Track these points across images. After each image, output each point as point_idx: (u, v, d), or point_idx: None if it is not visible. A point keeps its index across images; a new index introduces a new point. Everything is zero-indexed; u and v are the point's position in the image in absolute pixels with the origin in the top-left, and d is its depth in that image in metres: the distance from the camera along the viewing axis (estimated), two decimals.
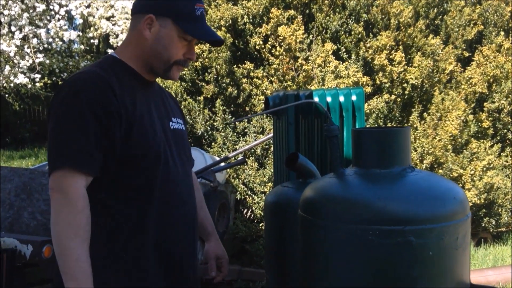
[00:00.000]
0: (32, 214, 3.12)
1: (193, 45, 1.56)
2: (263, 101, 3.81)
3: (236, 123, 4.52)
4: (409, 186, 1.21)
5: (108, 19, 7.74)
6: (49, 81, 9.37)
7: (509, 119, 5.02)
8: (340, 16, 4.66)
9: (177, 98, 4.54)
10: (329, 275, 1.21)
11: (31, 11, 7.49)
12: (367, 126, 4.10)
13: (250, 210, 4.46)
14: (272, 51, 4.49)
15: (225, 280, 1.80)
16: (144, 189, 1.46)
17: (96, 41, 8.55)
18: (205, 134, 4.62)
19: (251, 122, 4.50)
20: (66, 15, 8.07)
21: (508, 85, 4.92)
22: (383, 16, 4.76)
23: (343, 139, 2.36)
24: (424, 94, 4.78)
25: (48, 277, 3.00)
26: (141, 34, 1.50)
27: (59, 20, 7.75)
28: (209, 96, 4.65)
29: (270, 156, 4.35)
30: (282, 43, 4.39)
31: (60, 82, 9.41)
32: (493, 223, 4.87)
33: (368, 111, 4.37)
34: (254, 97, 4.50)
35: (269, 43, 4.52)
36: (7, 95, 9.94)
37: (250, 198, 4.34)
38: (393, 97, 4.54)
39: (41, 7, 7.46)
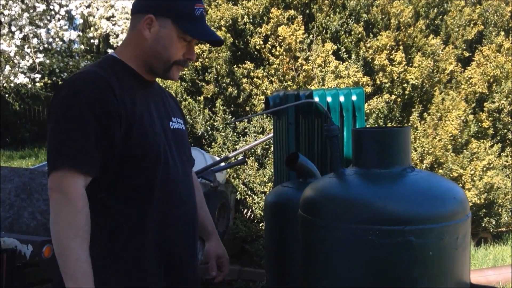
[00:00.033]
0: (32, 214, 3.12)
1: (193, 45, 1.55)
2: (263, 101, 3.81)
3: (236, 123, 4.52)
4: (409, 186, 1.21)
5: (108, 19, 7.74)
6: (49, 81, 9.36)
7: (509, 119, 5.02)
8: (340, 16, 4.66)
9: (177, 98, 4.54)
10: (329, 275, 1.21)
11: (31, 11, 7.50)
12: (367, 126, 4.10)
13: (250, 210, 4.46)
14: (272, 51, 4.49)
15: (225, 280, 1.80)
16: (144, 189, 1.46)
17: (96, 41, 8.55)
18: (205, 134, 4.62)
19: (251, 122, 4.50)
20: (66, 15, 8.07)
21: (508, 85, 4.92)
22: (383, 16, 4.76)
23: (343, 139, 2.36)
24: (424, 94, 4.78)
25: (48, 277, 3.00)
26: (141, 34, 1.50)
27: (59, 20, 7.75)
28: (209, 96, 4.65)
29: (270, 156, 4.35)
30: (282, 43, 4.39)
31: (60, 82, 9.41)
32: (493, 223, 4.87)
33: (368, 111, 4.37)
34: (254, 97, 4.50)
35: (269, 43, 4.52)
36: (7, 95, 9.94)
37: (250, 198, 4.34)
38: (393, 97, 4.54)
39: (41, 7, 7.46)
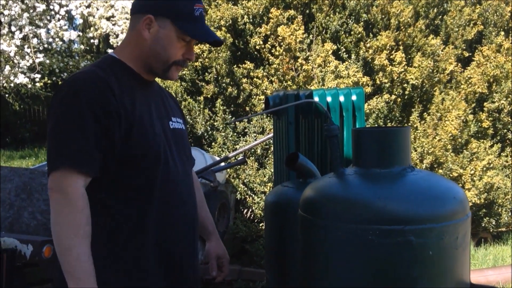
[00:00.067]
0: (32, 214, 3.12)
1: (192, 45, 1.55)
2: (263, 101, 3.81)
3: (236, 123, 4.52)
4: (409, 185, 1.21)
5: (108, 19, 7.74)
6: (49, 81, 9.36)
7: (509, 119, 5.02)
8: (340, 16, 4.66)
9: (177, 98, 4.54)
10: (329, 274, 1.21)
11: (31, 11, 7.49)
12: (367, 126, 4.10)
13: (250, 210, 4.46)
14: (272, 51, 4.49)
15: (225, 280, 1.80)
16: (144, 189, 1.46)
17: (96, 41, 8.54)
18: (205, 134, 4.63)
19: (251, 122, 4.50)
20: (66, 15, 8.06)
21: (508, 85, 4.92)
22: (383, 16, 4.76)
23: (343, 139, 2.36)
24: (424, 94, 4.78)
25: (48, 277, 3.00)
26: (140, 34, 1.50)
27: (59, 20, 7.75)
28: (209, 96, 4.65)
29: (270, 156, 4.35)
30: (282, 43, 4.39)
31: (60, 82, 9.41)
32: (493, 223, 4.87)
33: (368, 111, 4.37)
34: (254, 97, 4.50)
35: (269, 43, 4.52)
36: (7, 95, 9.93)
37: (250, 198, 4.34)
38: (393, 97, 4.54)
39: (41, 7, 7.46)
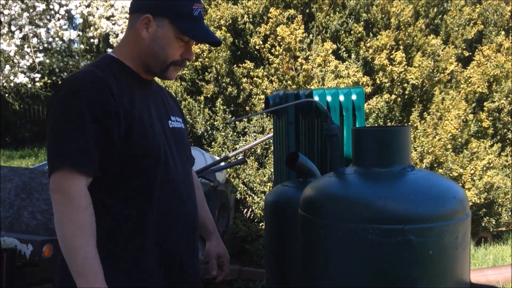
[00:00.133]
0: (32, 213, 3.12)
1: (191, 45, 1.55)
2: (263, 100, 3.81)
3: (236, 122, 4.52)
4: (409, 185, 1.21)
5: (108, 18, 7.74)
6: (49, 81, 9.36)
7: (509, 119, 5.02)
8: (340, 16, 4.66)
9: (177, 98, 4.54)
10: (329, 274, 1.20)
11: (31, 10, 7.49)
12: (367, 125, 4.10)
13: (250, 210, 4.46)
14: (272, 50, 4.49)
15: (225, 280, 1.80)
16: (144, 189, 1.46)
17: (96, 41, 8.54)
18: (205, 133, 4.62)
19: (251, 122, 4.50)
20: (66, 14, 8.07)
21: (508, 85, 4.92)
22: (383, 15, 4.76)
23: (343, 138, 2.36)
24: (424, 93, 4.78)
25: (48, 277, 3.00)
26: (138, 34, 1.49)
27: (59, 19, 7.75)
28: (209, 95, 4.65)
29: (270, 155, 4.35)
30: (282, 43, 4.39)
31: (60, 82, 9.40)
32: (493, 222, 4.87)
33: (368, 110, 4.37)
34: (254, 96, 4.50)
35: (269, 42, 4.52)
36: (7, 95, 9.93)
37: (250, 197, 4.34)
38: (393, 97, 4.54)
39: (41, 6, 7.46)
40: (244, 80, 4.52)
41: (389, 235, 1.11)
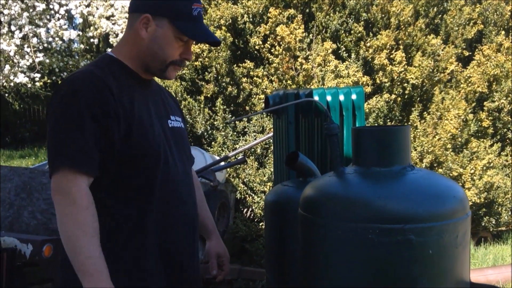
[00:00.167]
0: (32, 213, 3.12)
1: (190, 45, 1.54)
2: (263, 100, 3.81)
3: (236, 122, 4.52)
4: (409, 184, 1.20)
5: (108, 18, 7.74)
6: (49, 81, 9.36)
7: (509, 118, 5.02)
8: (340, 15, 4.66)
9: (177, 98, 4.54)
10: (329, 273, 1.20)
11: (31, 10, 7.49)
12: (367, 125, 4.10)
13: (250, 210, 4.46)
14: (272, 50, 4.49)
15: (225, 279, 1.80)
16: (144, 189, 1.46)
17: (96, 41, 8.54)
18: (205, 133, 4.62)
19: (251, 121, 4.50)
20: (66, 14, 8.06)
21: (508, 84, 4.92)
22: (383, 15, 4.76)
23: (343, 138, 2.36)
24: (424, 93, 4.78)
25: (48, 277, 3.00)
26: (138, 33, 1.49)
27: (59, 19, 7.75)
28: (209, 95, 4.65)
29: (270, 155, 4.35)
30: (281, 42, 4.39)
31: (60, 82, 9.40)
32: (493, 222, 4.87)
33: (368, 110, 4.37)
34: (254, 96, 4.50)
35: (269, 42, 4.52)
36: (7, 95, 9.94)
37: (250, 197, 4.34)
38: (393, 96, 4.54)
39: (41, 6, 7.46)
40: (244, 79, 4.52)
41: (389, 235, 1.11)
